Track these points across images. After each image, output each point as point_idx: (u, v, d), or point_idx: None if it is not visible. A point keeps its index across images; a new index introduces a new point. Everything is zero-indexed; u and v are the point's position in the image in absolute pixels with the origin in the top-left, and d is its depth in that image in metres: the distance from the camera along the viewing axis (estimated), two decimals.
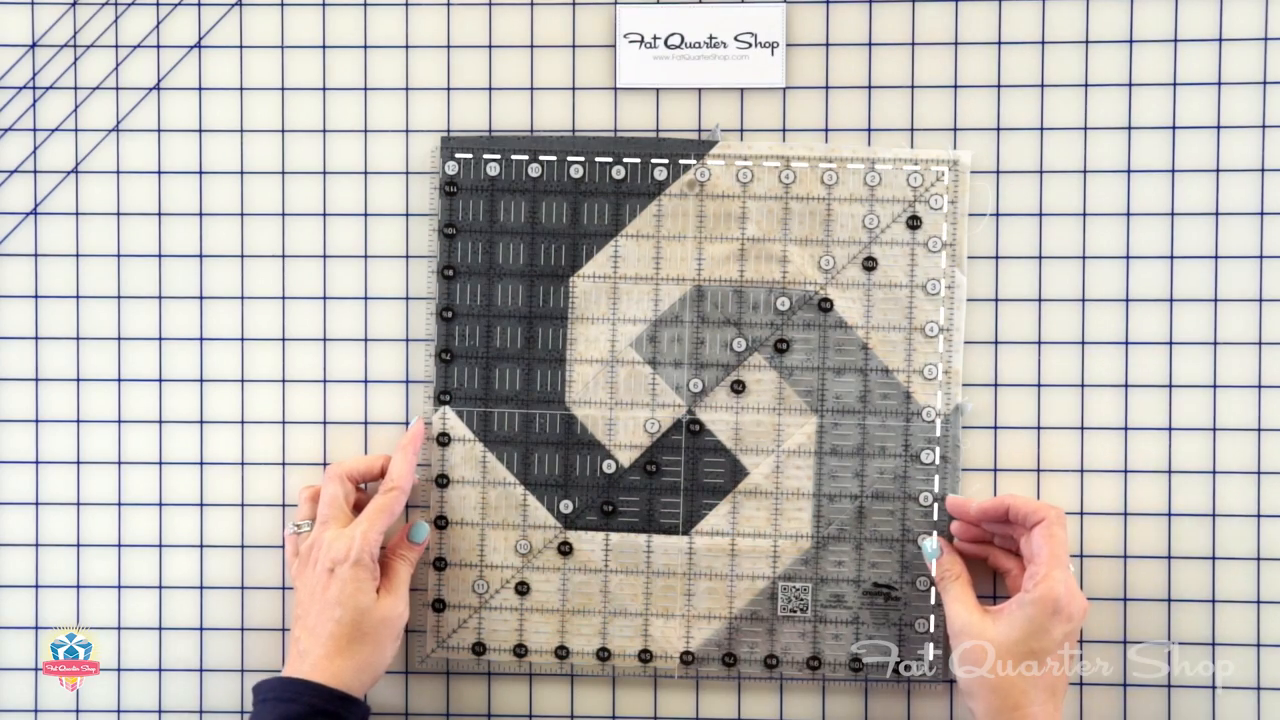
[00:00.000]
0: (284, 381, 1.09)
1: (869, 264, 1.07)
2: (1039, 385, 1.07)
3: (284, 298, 1.09)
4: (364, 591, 1.00)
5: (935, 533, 1.06)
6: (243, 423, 1.09)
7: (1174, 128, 1.06)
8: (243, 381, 1.09)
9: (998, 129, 1.07)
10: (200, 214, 1.09)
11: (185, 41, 1.09)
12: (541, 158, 1.07)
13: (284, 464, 1.09)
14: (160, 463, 1.10)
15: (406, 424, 1.08)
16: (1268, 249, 1.06)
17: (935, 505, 1.06)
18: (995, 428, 1.07)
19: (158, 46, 1.09)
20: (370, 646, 1.00)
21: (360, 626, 1.00)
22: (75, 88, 1.09)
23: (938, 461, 1.06)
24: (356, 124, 1.09)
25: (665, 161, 1.07)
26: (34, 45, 1.09)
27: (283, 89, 1.09)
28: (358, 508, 1.05)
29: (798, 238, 1.07)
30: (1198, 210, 1.07)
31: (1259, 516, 1.07)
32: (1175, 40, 1.06)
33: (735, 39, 1.07)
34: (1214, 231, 1.07)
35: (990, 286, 1.07)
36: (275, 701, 0.97)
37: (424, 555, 1.07)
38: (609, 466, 1.08)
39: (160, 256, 1.09)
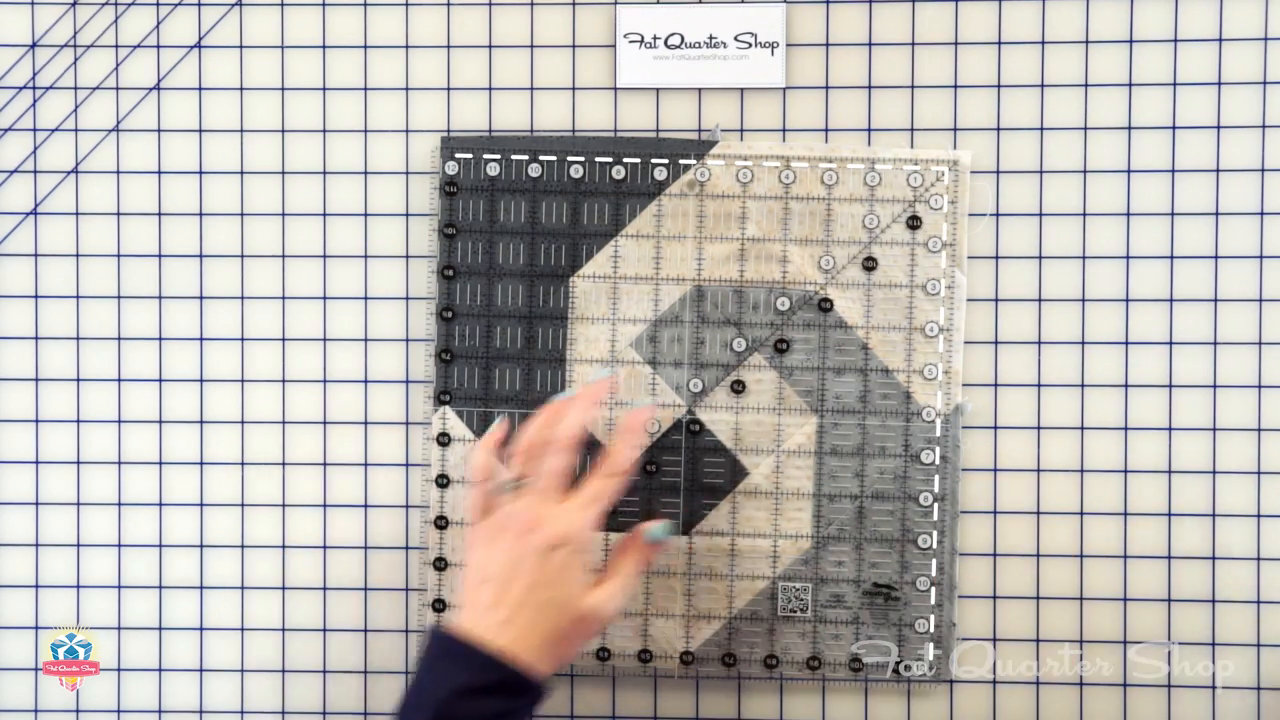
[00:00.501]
0: (284, 381, 1.09)
1: (869, 264, 1.07)
2: (1039, 385, 1.07)
3: (284, 298, 1.09)
4: (580, 580, 0.95)
5: None
6: (243, 423, 1.09)
7: (1174, 128, 1.06)
8: (243, 381, 1.09)
9: (998, 129, 1.07)
10: (200, 214, 1.09)
11: (185, 41, 1.09)
12: (541, 158, 1.07)
13: (284, 464, 1.09)
14: (160, 463, 1.10)
15: (407, 424, 1.08)
16: (1268, 249, 1.06)
17: (935, 505, 1.06)
18: (995, 428, 1.07)
19: (158, 46, 1.09)
20: (570, 637, 0.95)
21: (566, 613, 0.94)
22: (75, 88, 1.09)
23: (938, 461, 1.06)
24: (356, 124, 1.09)
25: (665, 161, 1.07)
26: (34, 45, 1.09)
27: (283, 89, 1.09)
28: None
29: (798, 238, 1.07)
30: (1198, 210, 1.06)
31: (1259, 516, 1.07)
32: (1175, 40, 1.06)
33: (735, 39, 1.06)
34: (1214, 231, 1.07)
35: (990, 286, 1.07)
36: (468, 668, 0.92)
37: (424, 555, 1.07)
38: None
39: (160, 256, 1.09)
